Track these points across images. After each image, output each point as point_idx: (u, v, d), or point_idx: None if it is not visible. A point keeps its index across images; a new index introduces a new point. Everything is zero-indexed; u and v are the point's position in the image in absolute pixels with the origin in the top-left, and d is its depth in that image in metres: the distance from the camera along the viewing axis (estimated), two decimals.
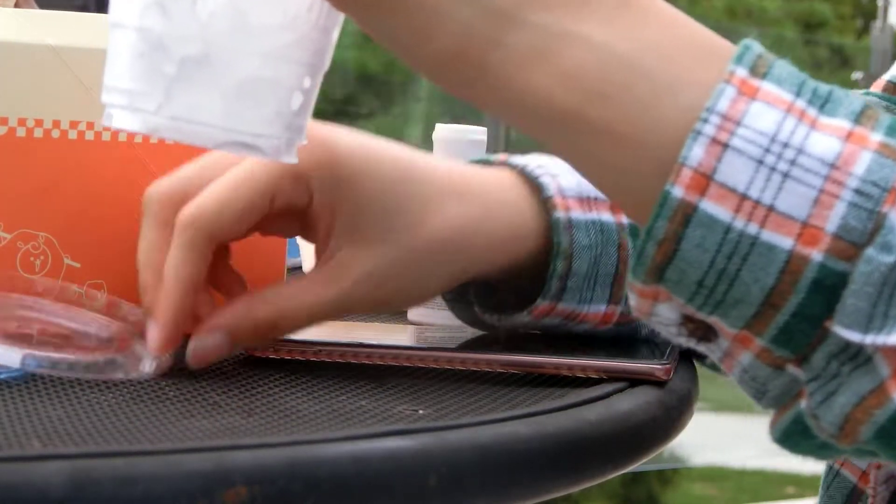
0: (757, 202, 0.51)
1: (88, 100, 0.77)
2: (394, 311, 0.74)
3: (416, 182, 0.72)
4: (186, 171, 0.71)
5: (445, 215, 0.72)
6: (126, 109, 0.61)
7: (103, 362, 0.65)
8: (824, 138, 0.52)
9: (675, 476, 5.38)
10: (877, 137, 0.52)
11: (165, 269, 0.68)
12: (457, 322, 0.91)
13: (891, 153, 0.52)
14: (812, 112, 0.52)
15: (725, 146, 0.51)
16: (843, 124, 0.52)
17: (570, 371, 0.74)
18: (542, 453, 0.61)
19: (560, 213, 0.75)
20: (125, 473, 0.50)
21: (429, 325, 0.92)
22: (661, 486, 5.30)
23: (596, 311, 0.79)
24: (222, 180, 0.69)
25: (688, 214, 0.51)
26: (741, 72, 0.53)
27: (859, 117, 0.52)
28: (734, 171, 0.51)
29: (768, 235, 0.51)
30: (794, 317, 0.51)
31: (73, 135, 0.77)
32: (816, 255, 0.51)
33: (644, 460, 0.69)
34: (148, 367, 0.67)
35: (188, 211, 0.68)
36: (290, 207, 0.70)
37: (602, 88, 0.53)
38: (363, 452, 0.56)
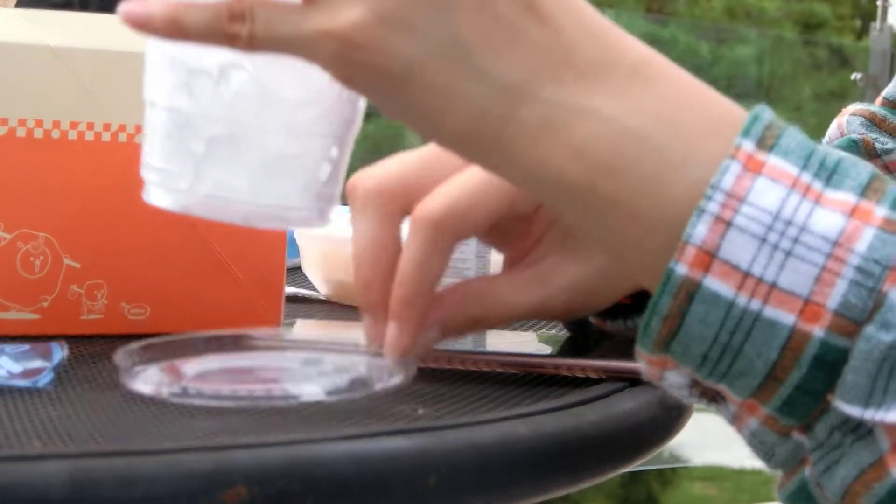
0: (759, 279, 0.51)
1: (88, 100, 0.77)
2: (573, 318, 0.76)
3: None
4: (403, 165, 0.69)
5: None
6: (160, 187, 0.62)
7: (349, 383, 0.65)
8: (828, 214, 0.52)
9: (675, 476, 5.38)
10: (881, 212, 0.52)
11: (408, 266, 0.66)
12: None
13: (894, 228, 0.52)
14: (818, 186, 0.52)
15: (729, 224, 0.52)
16: (849, 198, 0.52)
17: (570, 371, 0.74)
18: (541, 453, 0.61)
19: None
20: (125, 473, 0.50)
21: None
22: (660, 485, 5.30)
23: None
24: (467, 179, 0.68)
25: (691, 291, 0.52)
26: (748, 146, 0.53)
27: (865, 190, 0.53)
28: (737, 249, 0.51)
29: (771, 312, 0.51)
30: (796, 390, 0.52)
31: (73, 135, 0.77)
32: (818, 331, 0.51)
33: (644, 460, 0.69)
34: (398, 376, 0.66)
35: (435, 208, 0.67)
36: (519, 214, 0.71)
37: (612, 162, 0.54)
38: (363, 452, 0.56)
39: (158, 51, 0.61)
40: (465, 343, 0.80)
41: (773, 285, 0.51)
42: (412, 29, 0.53)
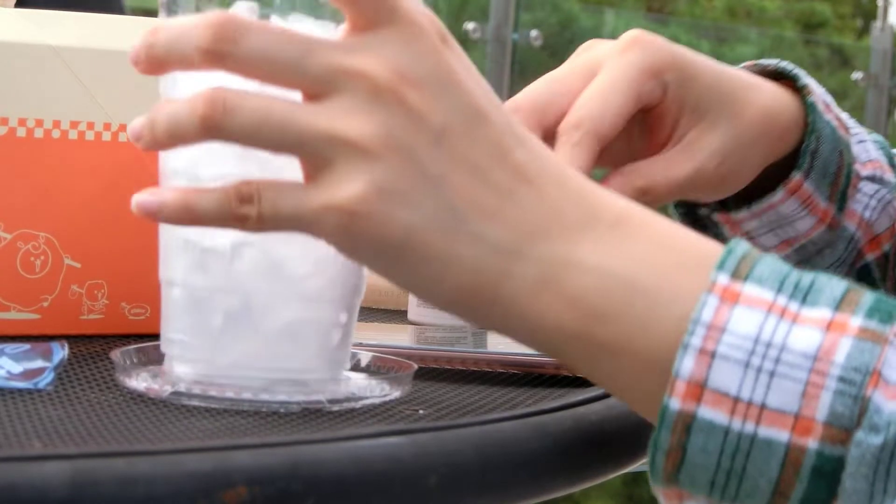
0: (750, 402, 0.54)
1: (88, 100, 0.77)
2: (727, 193, 0.83)
3: (732, 75, 0.82)
4: (531, 89, 0.78)
5: (759, 100, 0.82)
6: (181, 360, 0.65)
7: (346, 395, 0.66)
8: (805, 332, 0.54)
9: None
10: (856, 322, 0.55)
11: None
12: (457, 322, 0.91)
13: (870, 336, 0.54)
14: (794, 307, 0.55)
15: (713, 354, 0.54)
16: (824, 314, 0.55)
17: (570, 371, 0.74)
18: (542, 453, 0.61)
19: (813, 99, 0.84)
20: (125, 473, 0.50)
21: (429, 325, 0.92)
22: None
23: (821, 204, 0.85)
24: (595, 87, 0.77)
25: (687, 423, 0.54)
26: (723, 279, 0.56)
27: (840, 304, 0.55)
28: (724, 377, 0.54)
29: (765, 431, 0.54)
30: (803, 503, 0.54)
31: (73, 135, 0.77)
32: (812, 443, 0.53)
33: (644, 460, 0.69)
34: (394, 392, 0.67)
35: (574, 115, 0.76)
36: (646, 104, 0.79)
37: (604, 308, 0.57)
38: (363, 452, 0.56)
39: (171, 233, 0.65)
40: (466, 343, 0.80)
41: (763, 406, 0.54)
42: (408, 199, 0.56)
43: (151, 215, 0.59)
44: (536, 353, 0.76)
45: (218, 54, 0.57)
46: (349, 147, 0.56)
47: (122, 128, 0.78)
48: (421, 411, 0.65)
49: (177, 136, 0.58)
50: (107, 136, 0.78)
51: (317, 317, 0.65)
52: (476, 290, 0.58)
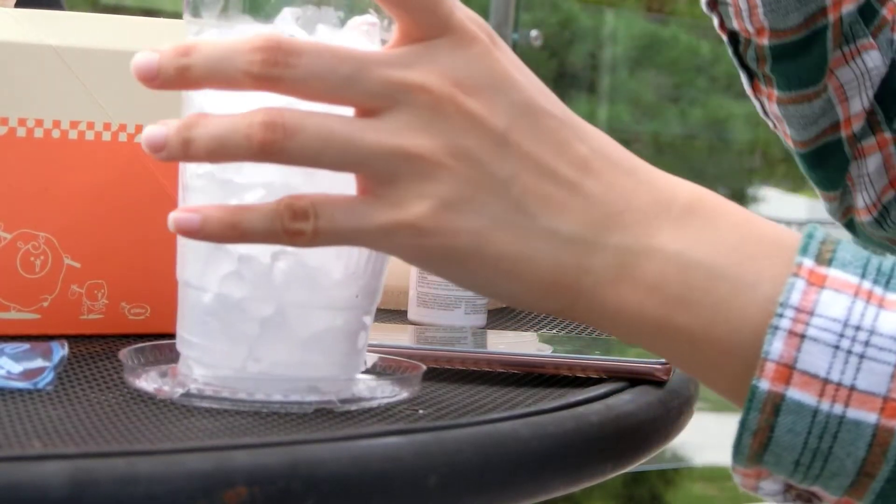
0: (839, 384, 0.54)
1: (88, 100, 0.77)
2: None
3: None
4: None
5: None
6: (201, 363, 0.65)
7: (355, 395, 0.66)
8: (893, 316, 0.55)
9: (677, 476, 5.38)
10: None
11: None
12: (457, 322, 0.91)
13: None
14: (879, 291, 0.56)
15: (803, 337, 0.55)
16: None
17: (570, 371, 0.74)
18: (542, 453, 0.61)
19: None
20: (125, 473, 0.50)
21: (429, 325, 0.92)
22: (663, 485, 5.30)
23: None
24: None
25: (776, 404, 0.55)
26: (808, 262, 0.56)
27: None
28: (814, 359, 0.55)
29: (854, 413, 0.54)
30: (888, 482, 0.55)
31: (73, 135, 0.77)
32: None
33: (644, 460, 0.69)
34: (403, 393, 0.67)
35: None
36: None
37: (685, 294, 0.57)
38: (363, 452, 0.56)
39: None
40: (466, 343, 0.80)
41: (853, 388, 0.54)
42: (476, 206, 0.57)
43: (191, 233, 0.57)
44: (536, 353, 0.76)
45: (270, 79, 0.56)
46: (414, 161, 0.57)
47: (122, 128, 0.78)
48: (421, 411, 0.65)
49: (221, 156, 0.57)
50: (107, 136, 0.78)
51: (345, 324, 0.65)
52: (556, 284, 0.58)
